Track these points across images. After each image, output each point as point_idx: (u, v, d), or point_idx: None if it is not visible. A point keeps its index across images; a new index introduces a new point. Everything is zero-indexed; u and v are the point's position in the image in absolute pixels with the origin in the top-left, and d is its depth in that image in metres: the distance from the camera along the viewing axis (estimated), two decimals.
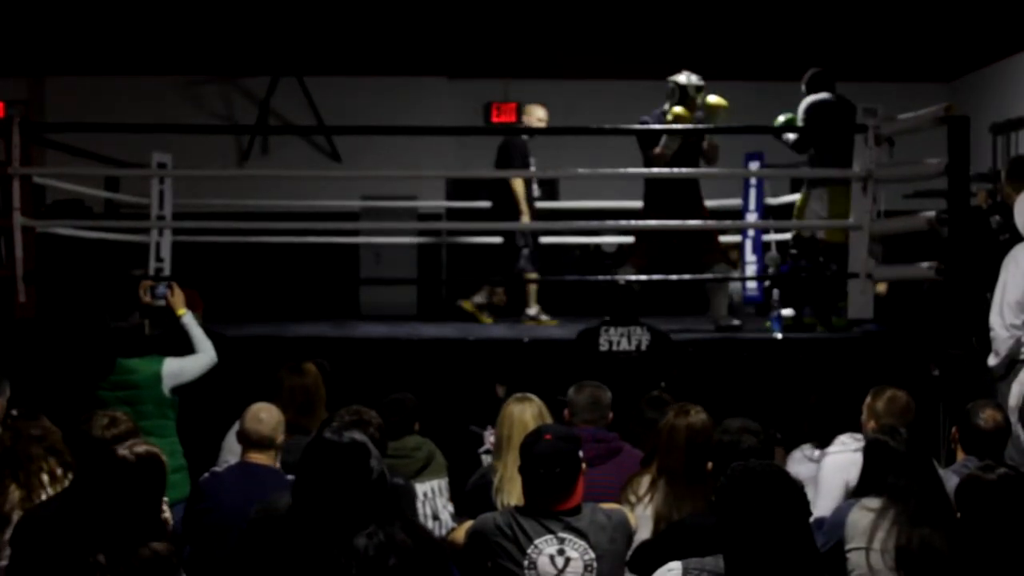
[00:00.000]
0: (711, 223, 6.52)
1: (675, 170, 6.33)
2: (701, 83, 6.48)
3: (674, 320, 6.59)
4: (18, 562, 2.98)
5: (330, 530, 2.51)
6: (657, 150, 6.40)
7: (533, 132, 7.05)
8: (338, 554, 2.48)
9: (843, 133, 6.15)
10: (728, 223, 7.32)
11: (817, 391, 4.31)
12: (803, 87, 6.56)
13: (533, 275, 6.96)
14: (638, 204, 7.49)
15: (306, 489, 2.58)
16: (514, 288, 7.25)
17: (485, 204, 8.54)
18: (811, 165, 6.44)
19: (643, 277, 6.33)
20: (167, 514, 2.94)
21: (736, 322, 6.27)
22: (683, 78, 6.48)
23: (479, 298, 7.12)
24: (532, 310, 7.10)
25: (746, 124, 7.34)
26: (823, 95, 6.37)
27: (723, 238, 7.94)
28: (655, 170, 6.53)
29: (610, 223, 7.45)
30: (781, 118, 6.54)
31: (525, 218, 6.85)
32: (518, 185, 6.86)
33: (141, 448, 2.75)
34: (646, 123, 6.54)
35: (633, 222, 7.10)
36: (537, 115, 7.02)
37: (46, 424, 3.54)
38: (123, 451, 2.76)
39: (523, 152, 6.94)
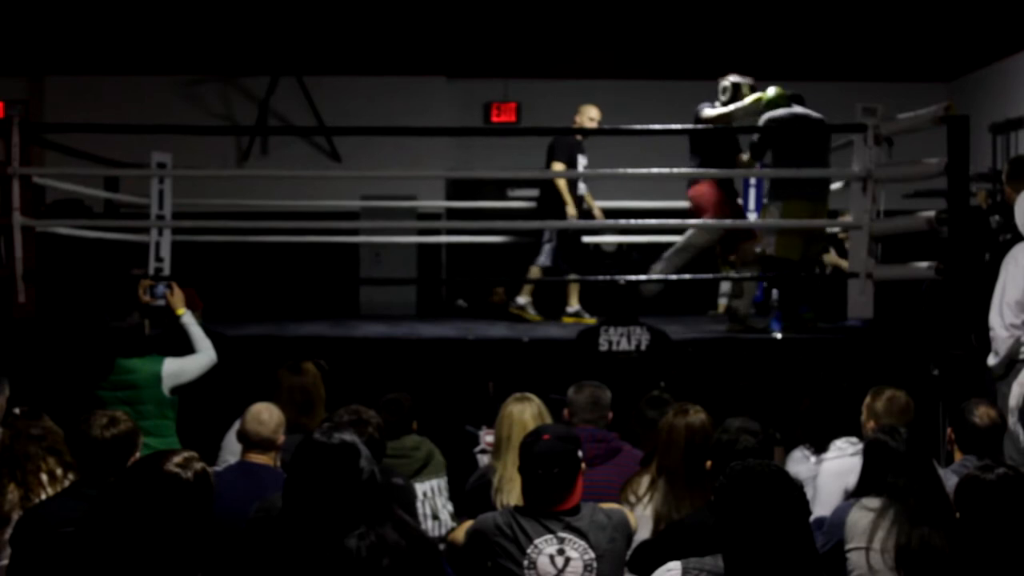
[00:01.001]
0: (694, 221, 6.50)
1: (674, 170, 6.33)
2: (752, 82, 6.52)
3: (675, 320, 6.58)
4: (19, 562, 2.98)
5: (321, 531, 2.51)
6: (745, 157, 6.46)
7: (533, 132, 7.07)
8: (330, 555, 2.48)
9: (800, 149, 6.10)
10: (728, 222, 7.30)
11: (810, 395, 4.32)
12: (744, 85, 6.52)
13: (536, 271, 7.00)
14: (638, 204, 7.49)
15: (296, 490, 2.58)
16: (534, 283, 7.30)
17: (484, 204, 8.57)
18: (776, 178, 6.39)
19: (644, 277, 6.33)
20: None
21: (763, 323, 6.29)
22: (735, 78, 6.50)
23: (521, 299, 7.16)
24: (521, 299, 7.14)
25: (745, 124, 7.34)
26: (782, 111, 6.30)
27: None
28: (654, 170, 6.53)
29: (610, 223, 7.45)
30: (771, 91, 6.55)
31: (571, 209, 6.90)
32: (561, 183, 6.93)
33: (198, 466, 2.65)
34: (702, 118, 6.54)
35: (633, 221, 7.10)
36: (589, 115, 7.06)
37: (47, 424, 3.53)
38: (180, 472, 2.58)
39: (568, 150, 6.98)
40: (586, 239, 7.52)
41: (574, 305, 7.22)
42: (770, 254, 6.10)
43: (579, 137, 7.01)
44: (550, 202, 6.95)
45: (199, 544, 2.55)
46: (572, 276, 7.09)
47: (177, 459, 2.59)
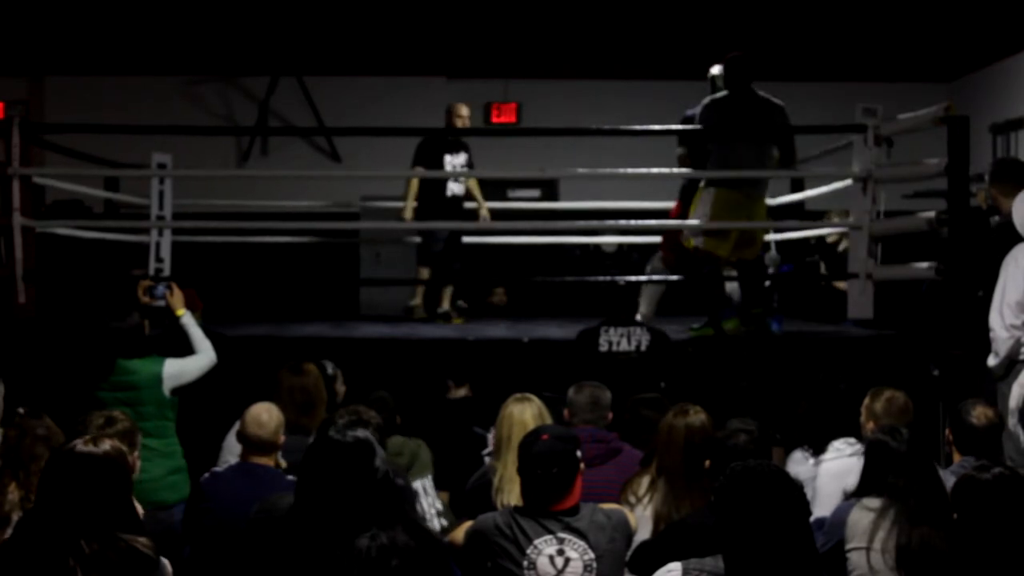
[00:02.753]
0: (714, 224, 6.49)
1: (674, 171, 6.33)
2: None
3: (675, 320, 6.58)
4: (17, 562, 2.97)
5: (332, 531, 2.50)
6: (679, 151, 6.39)
7: (533, 133, 7.08)
8: (340, 555, 2.47)
9: (735, 130, 5.90)
10: (727, 223, 7.30)
11: (807, 398, 4.32)
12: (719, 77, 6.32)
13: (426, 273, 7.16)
14: (638, 204, 7.48)
15: (309, 489, 2.57)
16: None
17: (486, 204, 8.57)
18: (715, 165, 6.09)
19: (643, 278, 6.33)
20: (139, 508, 2.89)
21: None
22: (716, 69, 6.40)
23: (445, 306, 7.17)
24: (445, 306, 7.20)
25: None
26: (721, 93, 6.02)
27: None
28: (654, 170, 6.53)
29: (610, 223, 7.44)
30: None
31: (406, 215, 7.00)
32: (411, 185, 7.01)
33: (104, 443, 2.69)
34: (689, 116, 6.48)
35: (633, 222, 7.09)
36: (459, 113, 7.08)
37: (50, 424, 3.54)
38: (83, 447, 2.69)
39: (429, 152, 7.00)
40: (584, 240, 7.46)
41: (445, 306, 7.23)
42: (698, 247, 5.92)
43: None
44: (422, 205, 7.01)
45: (121, 513, 2.59)
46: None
47: (84, 438, 2.68)
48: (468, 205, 7.40)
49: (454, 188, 7.11)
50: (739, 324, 6.03)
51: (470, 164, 7.21)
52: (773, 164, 6.07)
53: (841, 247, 7.59)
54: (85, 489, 2.53)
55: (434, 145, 7.05)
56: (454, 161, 7.09)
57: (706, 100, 6.01)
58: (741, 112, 5.89)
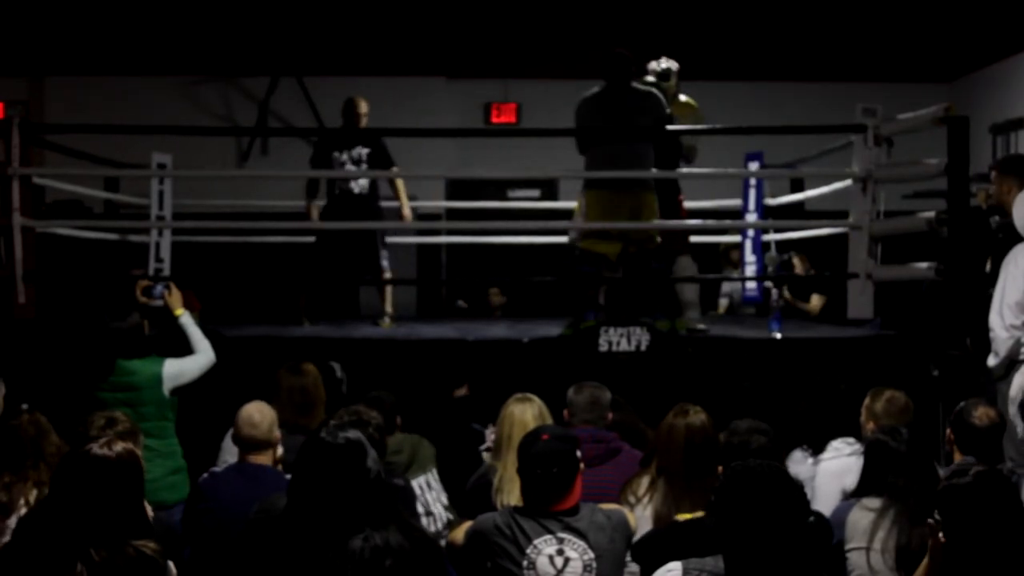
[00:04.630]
0: (694, 222, 6.48)
1: (672, 173, 6.32)
2: (658, 72, 6.37)
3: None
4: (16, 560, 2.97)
5: (325, 532, 2.50)
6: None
7: (533, 133, 7.06)
8: (333, 556, 2.47)
9: (612, 129, 5.88)
10: (728, 223, 7.30)
11: (806, 398, 4.32)
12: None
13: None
14: None
15: (301, 490, 2.57)
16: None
17: (484, 204, 8.57)
18: (587, 166, 6.13)
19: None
20: (149, 511, 2.90)
21: (703, 327, 6.21)
22: (653, 64, 6.38)
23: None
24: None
25: (744, 124, 7.35)
26: (594, 88, 6.04)
27: (724, 238, 7.97)
28: (652, 171, 6.51)
29: (609, 224, 7.43)
30: None
31: (312, 214, 6.89)
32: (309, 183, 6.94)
33: (118, 446, 2.70)
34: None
35: (632, 224, 7.07)
36: (362, 111, 6.90)
37: (42, 419, 3.56)
38: (98, 450, 2.69)
39: (320, 149, 6.85)
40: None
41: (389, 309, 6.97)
42: (582, 248, 5.92)
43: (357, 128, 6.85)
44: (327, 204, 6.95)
45: (133, 517, 2.59)
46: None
47: (100, 441, 2.68)
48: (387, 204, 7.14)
49: (353, 185, 6.79)
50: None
51: (374, 158, 6.81)
52: (650, 157, 6.03)
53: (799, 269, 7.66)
54: (100, 492, 2.53)
55: (325, 142, 6.85)
56: (343, 157, 6.76)
57: (584, 94, 6.04)
58: (615, 105, 5.94)
